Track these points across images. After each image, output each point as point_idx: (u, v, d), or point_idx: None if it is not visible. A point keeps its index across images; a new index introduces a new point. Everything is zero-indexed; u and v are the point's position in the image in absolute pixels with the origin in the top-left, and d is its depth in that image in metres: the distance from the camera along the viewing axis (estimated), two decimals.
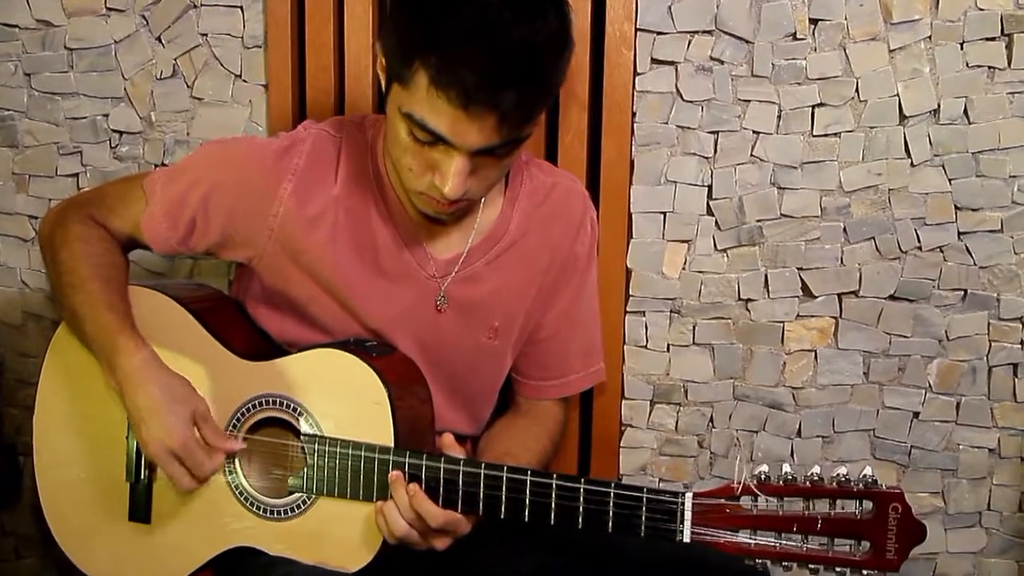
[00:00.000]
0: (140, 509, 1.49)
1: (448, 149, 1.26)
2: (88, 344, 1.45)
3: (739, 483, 1.23)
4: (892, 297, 1.70)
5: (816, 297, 1.71)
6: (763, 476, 1.23)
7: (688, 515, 1.24)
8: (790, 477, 1.22)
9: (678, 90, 1.69)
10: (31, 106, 1.86)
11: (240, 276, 1.57)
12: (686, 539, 1.25)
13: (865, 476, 1.20)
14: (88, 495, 1.51)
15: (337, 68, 1.77)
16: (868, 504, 1.20)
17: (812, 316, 1.72)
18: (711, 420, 1.77)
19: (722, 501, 1.24)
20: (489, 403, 1.61)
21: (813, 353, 1.73)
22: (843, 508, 1.21)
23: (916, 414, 1.73)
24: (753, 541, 1.23)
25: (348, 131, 1.48)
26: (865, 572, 1.21)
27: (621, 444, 1.79)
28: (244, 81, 1.80)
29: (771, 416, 1.75)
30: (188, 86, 1.81)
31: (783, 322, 1.72)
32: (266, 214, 1.44)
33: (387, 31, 1.28)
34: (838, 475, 1.21)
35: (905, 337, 1.71)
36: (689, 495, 1.25)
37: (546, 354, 1.59)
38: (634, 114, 1.71)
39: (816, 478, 1.21)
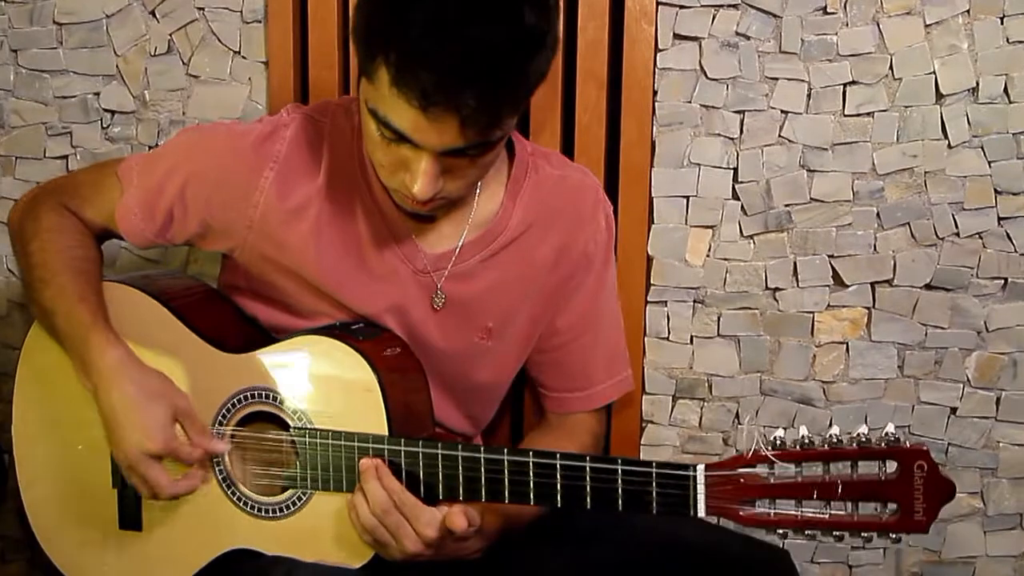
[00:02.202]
0: (130, 516, 1.49)
1: (415, 148, 1.25)
2: (61, 341, 1.45)
3: (753, 451, 1.22)
4: (928, 286, 1.70)
5: (848, 286, 1.71)
6: (778, 442, 1.21)
7: (701, 488, 1.24)
8: (807, 441, 1.21)
9: (702, 67, 1.69)
10: (18, 84, 1.87)
11: (226, 265, 1.57)
12: (700, 513, 1.25)
13: (887, 434, 1.19)
14: (76, 506, 1.52)
15: (341, 43, 1.77)
16: (892, 463, 1.19)
17: (844, 306, 1.72)
18: (737, 416, 1.77)
19: (736, 471, 1.23)
20: (488, 405, 1.61)
21: (845, 345, 1.73)
22: (865, 470, 1.20)
23: (954, 410, 1.73)
24: (772, 511, 1.22)
25: (334, 115, 1.47)
26: (893, 535, 1.21)
27: (642, 441, 1.79)
28: (243, 58, 1.80)
29: (800, 412, 1.74)
30: (184, 63, 1.82)
31: (813, 312, 1.72)
32: (246, 205, 1.44)
33: (354, 21, 1.27)
34: (858, 435, 1.20)
35: (942, 328, 1.71)
36: (701, 467, 1.25)
37: (566, 363, 1.58)
38: (655, 93, 1.71)
39: (835, 440, 1.20)
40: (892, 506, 1.20)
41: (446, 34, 1.17)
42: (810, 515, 1.22)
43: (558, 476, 1.30)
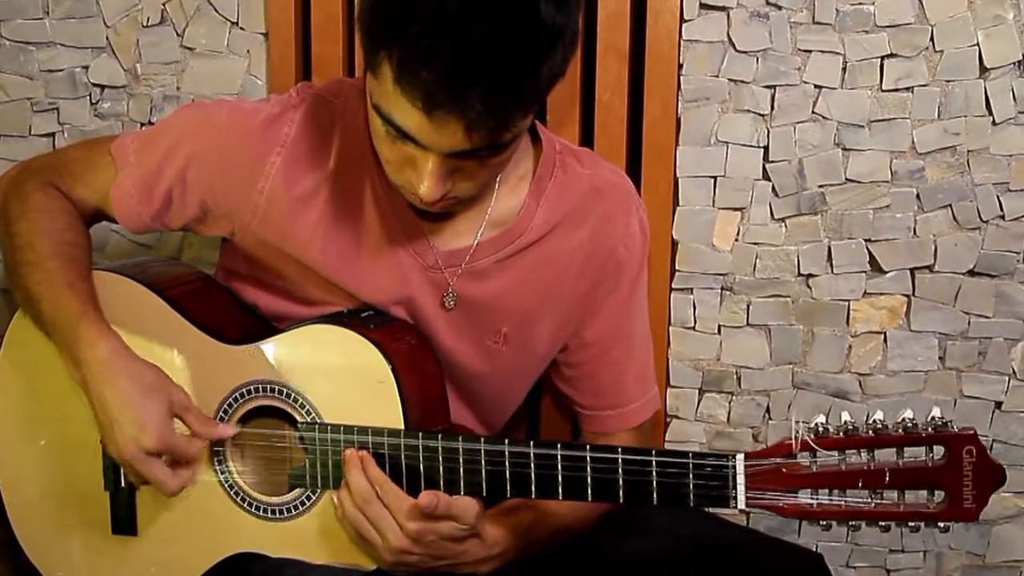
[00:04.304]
0: (124, 520, 1.48)
1: (422, 148, 1.23)
2: (47, 332, 1.43)
3: (794, 439, 1.22)
4: (971, 272, 1.70)
5: (886, 272, 1.71)
6: (820, 429, 1.22)
7: (741, 478, 1.24)
8: (851, 427, 1.21)
9: (730, 39, 1.69)
10: (1, 57, 1.85)
11: (225, 251, 1.56)
12: (741, 505, 1.25)
13: (934, 419, 1.20)
14: (64, 509, 1.50)
15: (346, 15, 1.76)
16: (939, 449, 1.20)
17: (881, 294, 1.72)
18: (767, 411, 1.77)
19: (777, 460, 1.23)
20: (501, 411, 1.60)
21: (882, 335, 1.73)
22: (911, 456, 1.20)
23: (999, 404, 1.73)
24: (815, 501, 1.22)
25: (348, 97, 1.44)
26: (941, 525, 1.21)
27: (666, 437, 1.79)
28: (241, 29, 1.79)
29: (835, 406, 1.73)
30: (178, 34, 1.81)
31: (848, 300, 1.72)
32: (251, 190, 1.42)
33: (359, 11, 1.25)
34: (903, 420, 1.20)
35: (986, 317, 1.71)
36: (740, 456, 1.25)
37: (599, 377, 1.56)
38: (680, 66, 1.70)
39: (879, 425, 1.20)
40: (940, 494, 1.20)
41: (450, 31, 1.14)
42: (855, 505, 1.22)
43: (588, 469, 1.29)
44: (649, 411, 1.59)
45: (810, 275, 1.72)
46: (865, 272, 1.71)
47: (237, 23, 1.78)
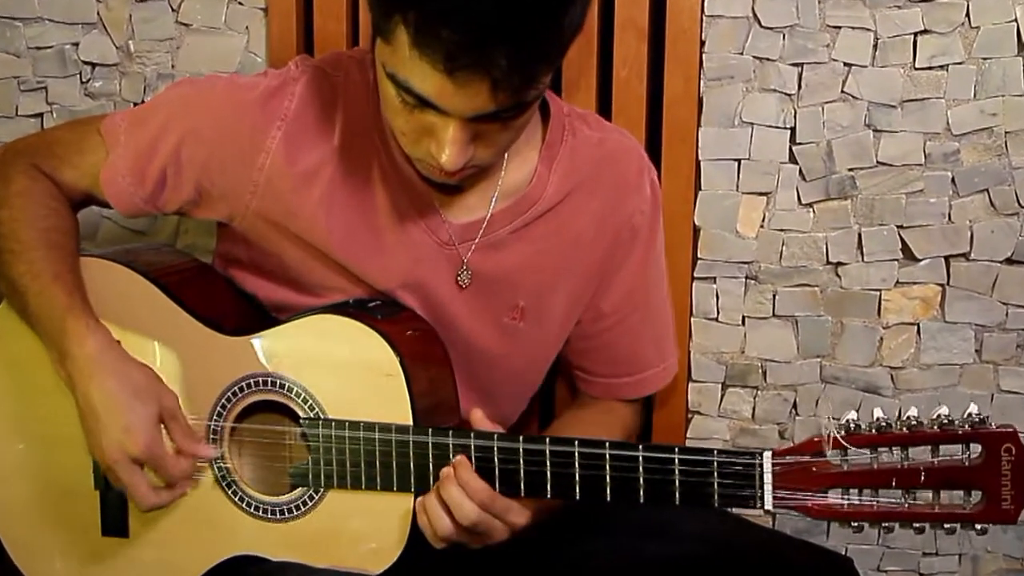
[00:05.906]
0: (115, 521, 1.47)
1: (441, 114, 1.24)
2: (32, 324, 1.43)
3: (824, 436, 1.22)
4: (1009, 260, 1.69)
5: (919, 260, 1.70)
6: (852, 425, 1.21)
7: (768, 477, 1.24)
8: (883, 424, 1.21)
9: (755, 14, 1.68)
10: None
11: (222, 237, 1.55)
12: (768, 505, 1.25)
13: (970, 415, 1.19)
14: (51, 510, 1.50)
15: None
16: (976, 447, 1.20)
17: (914, 283, 1.71)
18: (794, 406, 1.76)
19: (806, 458, 1.23)
20: (516, 400, 1.60)
21: (915, 327, 1.72)
22: (947, 454, 1.20)
23: None
24: (846, 501, 1.22)
25: (348, 70, 1.45)
26: (978, 527, 1.21)
27: (688, 434, 1.79)
28: (239, 4, 1.79)
29: (866, 401, 1.73)
30: (173, 9, 1.80)
31: (880, 290, 1.71)
32: (250, 167, 1.42)
33: None
34: (938, 416, 1.20)
35: None
36: (767, 454, 1.25)
37: (614, 347, 1.58)
38: (703, 43, 1.70)
39: (914, 422, 1.20)
40: (977, 494, 1.21)
41: None
42: (888, 506, 1.22)
43: (607, 467, 1.29)
44: (665, 378, 1.62)
45: (839, 263, 1.71)
46: (897, 260, 1.70)
47: None
